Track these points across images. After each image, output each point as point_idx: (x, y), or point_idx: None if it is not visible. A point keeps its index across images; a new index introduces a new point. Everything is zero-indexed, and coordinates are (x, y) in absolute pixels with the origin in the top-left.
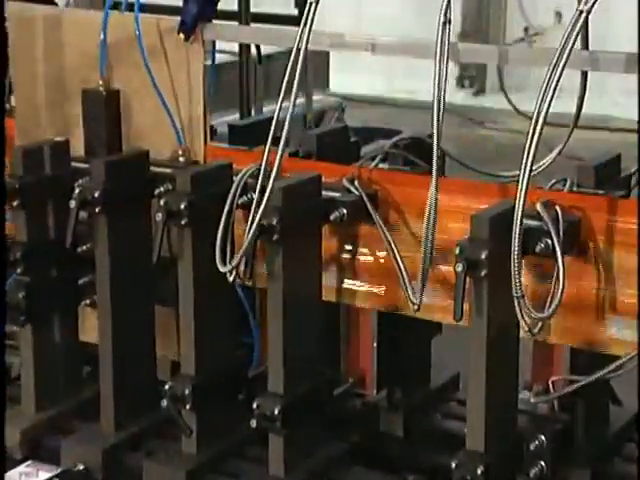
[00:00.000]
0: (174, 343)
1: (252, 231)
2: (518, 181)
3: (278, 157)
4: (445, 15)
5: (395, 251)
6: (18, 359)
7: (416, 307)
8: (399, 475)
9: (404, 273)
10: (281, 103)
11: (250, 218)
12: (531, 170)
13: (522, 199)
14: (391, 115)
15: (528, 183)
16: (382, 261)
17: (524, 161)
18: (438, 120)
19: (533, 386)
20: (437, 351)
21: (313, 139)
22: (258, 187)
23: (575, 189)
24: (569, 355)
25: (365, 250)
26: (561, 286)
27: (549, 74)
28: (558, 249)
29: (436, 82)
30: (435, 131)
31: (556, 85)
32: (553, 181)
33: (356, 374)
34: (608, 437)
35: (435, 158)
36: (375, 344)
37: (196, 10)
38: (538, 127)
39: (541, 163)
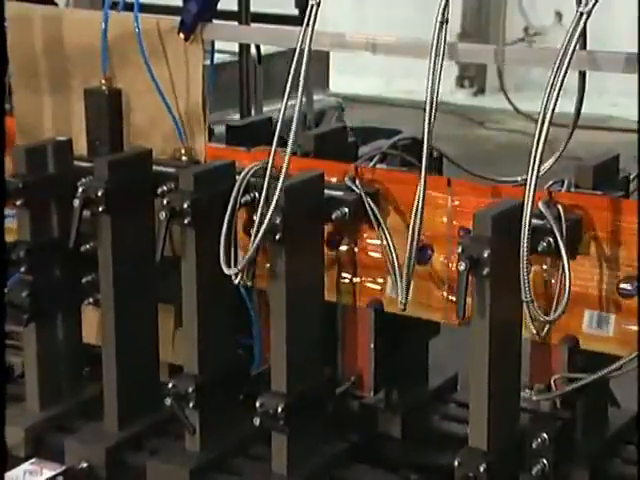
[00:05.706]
0: (168, 345)
1: (260, 234)
2: (526, 183)
3: (286, 158)
4: (443, 14)
5: (392, 249)
6: (20, 359)
7: (402, 306)
8: (399, 475)
9: (397, 272)
10: (285, 104)
11: (257, 220)
12: (539, 172)
13: (530, 201)
14: (390, 115)
15: (536, 185)
16: (382, 260)
17: (531, 162)
18: (430, 119)
19: (534, 385)
20: (435, 352)
21: (311, 139)
22: (265, 187)
23: (573, 190)
24: (567, 355)
25: (365, 248)
26: (567, 285)
27: (552, 77)
28: (562, 248)
29: (430, 81)
30: (426, 129)
31: (560, 87)
32: (551, 182)
33: (353, 375)
34: (607, 437)
35: (425, 155)
36: (372, 345)
37: (196, 10)
38: (544, 128)
39: (544, 166)
